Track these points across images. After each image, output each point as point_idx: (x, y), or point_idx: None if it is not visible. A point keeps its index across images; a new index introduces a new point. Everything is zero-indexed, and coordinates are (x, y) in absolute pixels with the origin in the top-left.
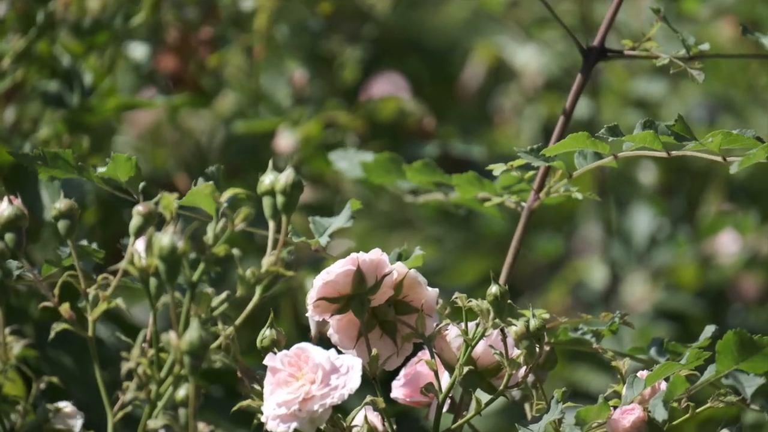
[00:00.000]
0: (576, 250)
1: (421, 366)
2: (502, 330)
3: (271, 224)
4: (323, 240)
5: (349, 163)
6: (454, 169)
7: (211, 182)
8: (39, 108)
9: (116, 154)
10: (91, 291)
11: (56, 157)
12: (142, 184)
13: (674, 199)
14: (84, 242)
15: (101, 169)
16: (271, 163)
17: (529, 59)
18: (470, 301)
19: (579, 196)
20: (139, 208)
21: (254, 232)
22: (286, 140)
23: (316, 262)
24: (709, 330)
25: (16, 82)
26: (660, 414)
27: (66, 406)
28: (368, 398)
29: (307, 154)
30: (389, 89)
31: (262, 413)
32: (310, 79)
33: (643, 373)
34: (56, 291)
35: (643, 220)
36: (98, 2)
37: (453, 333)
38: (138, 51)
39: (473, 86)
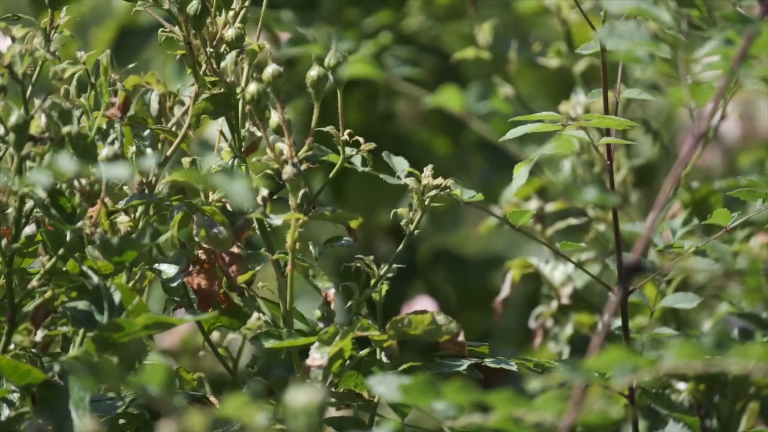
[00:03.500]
0: None
1: None
2: None
3: None
4: None
5: (387, 387)
6: (487, 379)
7: (244, 397)
8: (68, 327)
9: (147, 363)
10: None
11: (96, 367)
12: (176, 397)
13: (707, 415)
14: None
15: (135, 379)
16: (296, 381)
17: (563, 276)
18: None
19: (615, 413)
20: (166, 426)
21: None
22: (317, 358)
23: None
24: None
25: (44, 302)
26: None
27: None
28: None
29: (338, 371)
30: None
31: None
32: (342, 296)
33: None
34: None
35: None
36: (127, 220)
37: None
38: (167, 269)
39: (507, 303)
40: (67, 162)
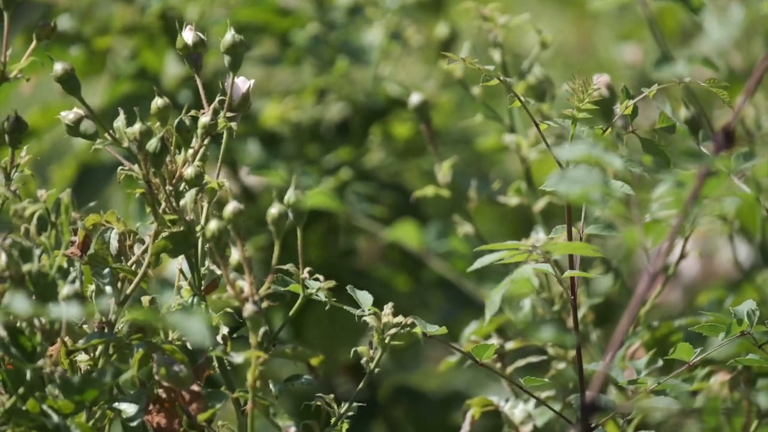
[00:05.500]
0: None
1: None
2: None
3: None
4: None
5: None
6: None
7: None
8: None
9: None
10: None
11: None
12: None
13: None
14: None
15: None
16: None
17: (524, 414)
18: None
19: None
20: None
21: None
22: None
23: None
24: None
25: None
26: None
27: None
28: None
29: None
30: None
31: None
32: None
33: None
34: None
35: None
36: (87, 359)
37: None
38: (127, 407)
39: None
40: (22, 303)
